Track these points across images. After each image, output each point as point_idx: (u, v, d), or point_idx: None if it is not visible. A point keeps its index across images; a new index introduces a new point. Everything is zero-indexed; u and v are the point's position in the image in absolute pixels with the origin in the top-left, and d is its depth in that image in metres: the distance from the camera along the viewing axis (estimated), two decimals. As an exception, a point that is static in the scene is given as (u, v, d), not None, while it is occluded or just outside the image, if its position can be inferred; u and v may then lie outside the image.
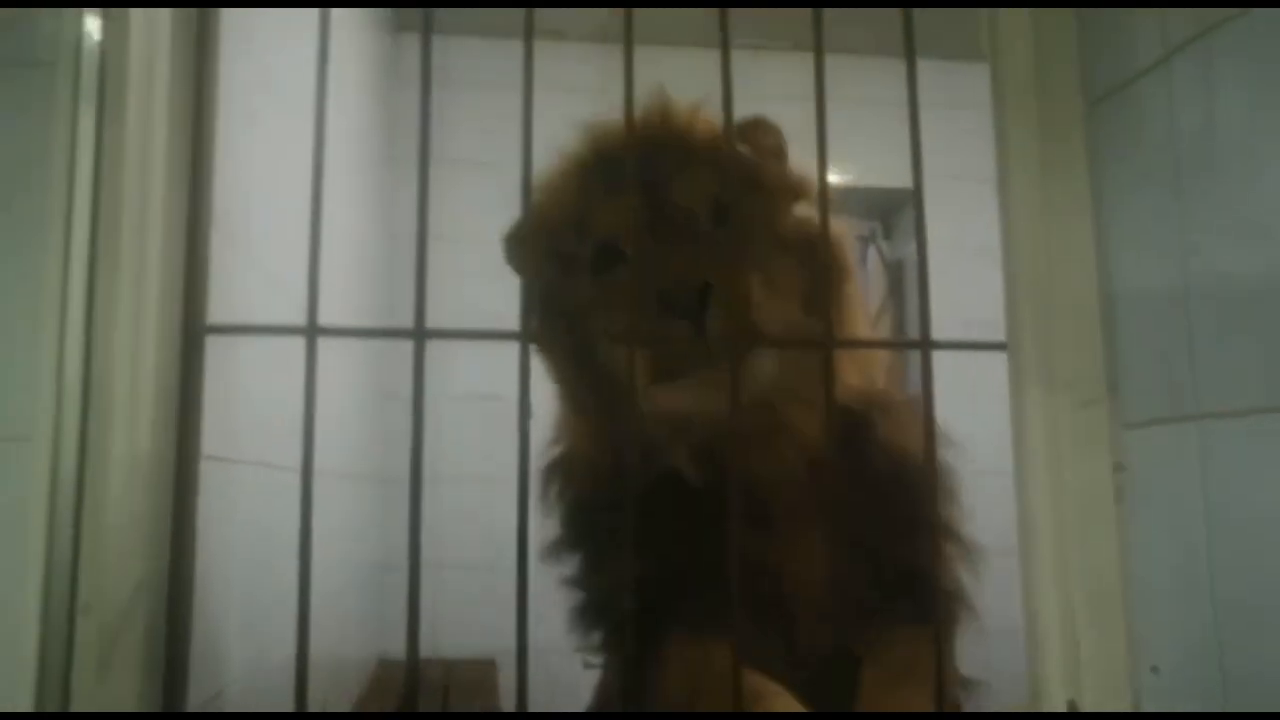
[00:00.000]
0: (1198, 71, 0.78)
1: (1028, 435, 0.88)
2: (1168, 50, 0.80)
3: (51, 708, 0.65)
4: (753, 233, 1.07)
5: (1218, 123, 0.77)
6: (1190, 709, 0.77)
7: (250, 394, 1.21)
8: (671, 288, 0.96)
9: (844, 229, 1.21)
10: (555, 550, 1.19)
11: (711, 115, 1.10)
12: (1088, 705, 0.81)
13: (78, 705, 0.65)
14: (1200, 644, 0.76)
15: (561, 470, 1.19)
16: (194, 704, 0.82)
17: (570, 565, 1.18)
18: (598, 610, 1.15)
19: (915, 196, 1.00)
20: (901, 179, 3.59)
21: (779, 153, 1.19)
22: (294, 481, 1.43)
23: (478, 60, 2.80)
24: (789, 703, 1.00)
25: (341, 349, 1.83)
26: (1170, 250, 0.82)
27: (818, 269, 1.03)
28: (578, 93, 2.90)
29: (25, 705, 0.64)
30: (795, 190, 1.13)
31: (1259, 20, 0.73)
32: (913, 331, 3.10)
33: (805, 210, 1.16)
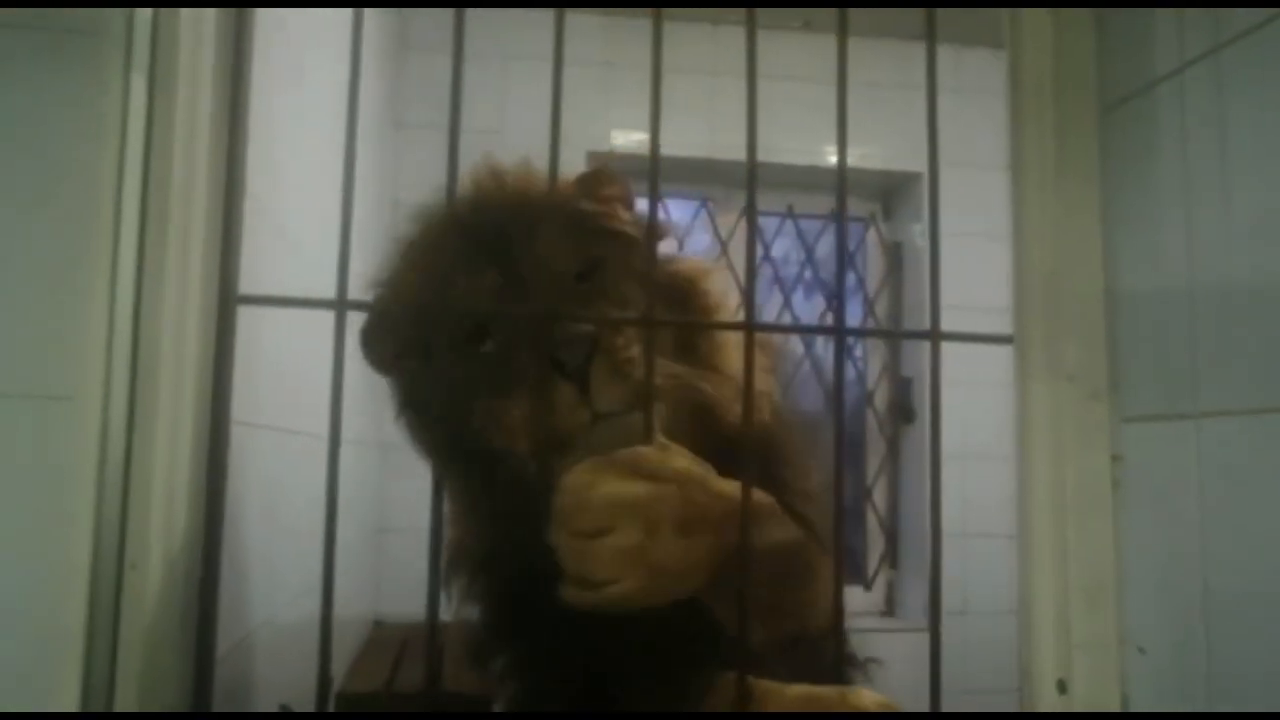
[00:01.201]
0: (1211, 83, 0.81)
1: (1031, 425, 0.92)
2: (1183, 61, 0.83)
3: (100, 660, 0.68)
4: (620, 283, 1.02)
5: (1229, 132, 0.80)
6: (1175, 691, 0.82)
7: (265, 361, 1.24)
8: (559, 349, 0.91)
9: (709, 266, 1.12)
10: (478, 653, 1.11)
11: (539, 171, 1.05)
12: (1077, 684, 0.86)
13: (124, 659, 0.68)
14: (1188, 629, 0.80)
15: (462, 564, 1.10)
16: (220, 653, 0.86)
17: (498, 661, 1.10)
18: (540, 702, 1.07)
19: (930, 186, 1.03)
20: (901, 162, 3.62)
21: (625, 201, 1.12)
22: (304, 445, 1.46)
23: (484, 30, 2.80)
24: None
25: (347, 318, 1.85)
26: (1176, 252, 0.85)
27: (687, 309, 1.02)
28: (585, 65, 2.92)
29: (75, 659, 0.67)
30: (652, 233, 1.02)
31: (1271, 35, 0.76)
32: (911, 312, 3.13)
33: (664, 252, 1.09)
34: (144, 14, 0.75)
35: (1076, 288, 0.91)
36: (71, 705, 0.66)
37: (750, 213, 0.97)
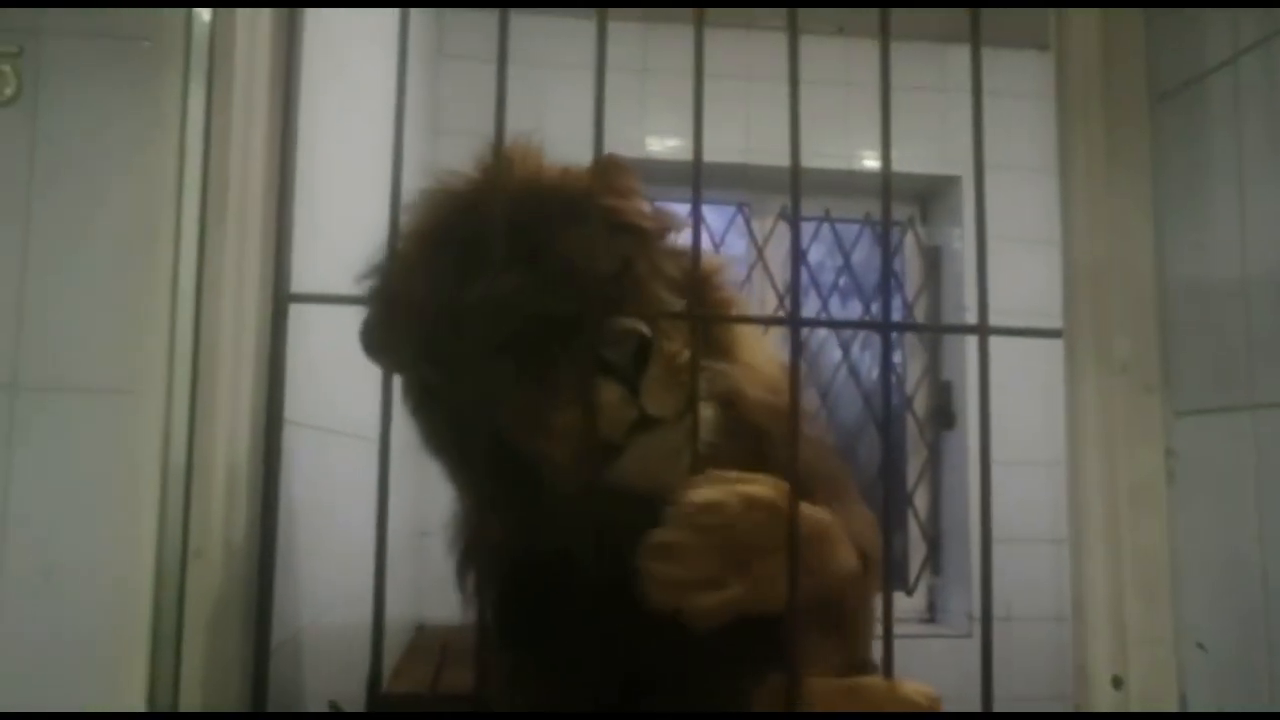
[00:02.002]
0: (1265, 71, 0.80)
1: (1082, 419, 0.91)
2: (1236, 50, 0.82)
3: (166, 647, 0.70)
4: (649, 279, 0.98)
5: (1284, 121, 0.79)
6: (1237, 689, 0.80)
7: (303, 361, 1.26)
8: (606, 347, 0.87)
9: (719, 260, 1.08)
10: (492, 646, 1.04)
11: (540, 156, 1.01)
12: (1133, 681, 0.85)
13: (189, 645, 0.70)
14: (1248, 626, 0.79)
15: (478, 564, 1.04)
16: (276, 643, 0.87)
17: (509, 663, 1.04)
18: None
19: (977, 188, 1.02)
20: (938, 165, 3.58)
21: (640, 192, 1.08)
22: (343, 446, 1.48)
23: (520, 38, 2.82)
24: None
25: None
26: (1229, 242, 0.84)
27: (703, 303, 0.97)
28: (621, 72, 2.93)
29: (142, 644, 0.69)
30: (666, 227, 1.02)
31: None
32: (949, 316, 3.11)
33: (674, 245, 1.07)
34: (202, 21, 0.77)
35: (1127, 280, 0.90)
36: (139, 691, 0.67)
37: (795, 203, 0.97)
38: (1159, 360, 0.89)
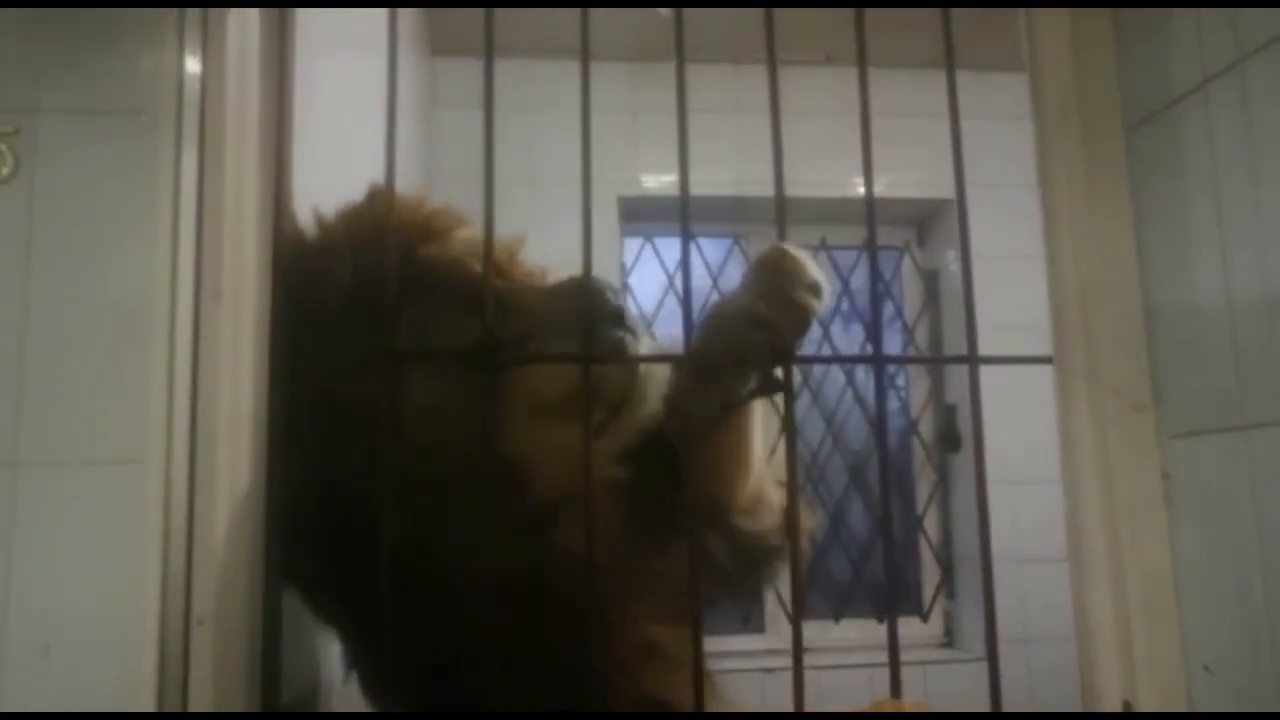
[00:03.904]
0: (1235, 95, 0.82)
1: (1076, 442, 0.91)
2: (1205, 76, 0.84)
3: (171, 711, 0.70)
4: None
5: (1257, 144, 0.80)
6: (1245, 708, 0.80)
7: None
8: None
9: (512, 241, 1.13)
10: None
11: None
12: (1143, 705, 0.84)
13: (195, 707, 0.70)
14: (1254, 646, 0.78)
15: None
16: (290, 699, 0.87)
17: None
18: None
19: (959, 210, 1.03)
20: (933, 189, 3.60)
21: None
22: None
23: (510, 82, 2.87)
24: None
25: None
26: (1212, 263, 0.85)
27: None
28: (611, 112, 2.97)
29: (147, 709, 0.69)
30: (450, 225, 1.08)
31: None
32: (951, 338, 3.11)
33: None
34: (192, 79, 0.79)
35: (1113, 301, 0.91)
36: (145, 764, 0.68)
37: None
38: (1150, 382, 0.90)
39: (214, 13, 0.82)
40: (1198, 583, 0.85)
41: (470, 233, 1.07)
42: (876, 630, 2.91)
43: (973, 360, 0.96)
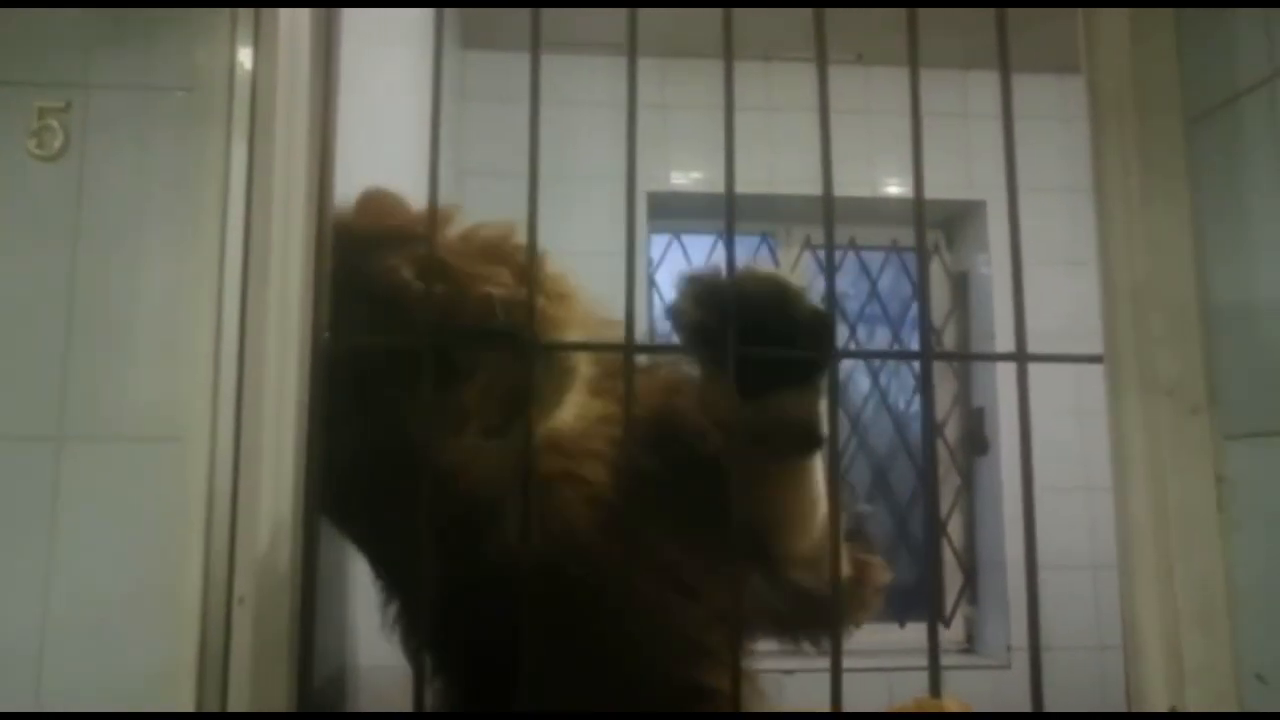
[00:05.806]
0: (1303, 89, 0.80)
1: (1127, 445, 0.89)
2: (1273, 69, 0.82)
3: (212, 691, 0.70)
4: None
5: (1324, 139, 0.78)
6: (1300, 718, 0.78)
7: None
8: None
9: (506, 227, 1.16)
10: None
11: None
12: (1192, 713, 0.82)
13: (235, 688, 0.70)
14: (1310, 653, 0.76)
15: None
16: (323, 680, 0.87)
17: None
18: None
19: (1010, 212, 1.02)
20: (962, 190, 3.58)
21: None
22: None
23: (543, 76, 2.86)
24: None
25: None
26: (1273, 262, 0.83)
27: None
28: (642, 109, 2.96)
29: (188, 689, 0.69)
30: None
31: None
32: (977, 341, 3.08)
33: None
34: (244, 69, 0.78)
35: (1169, 300, 0.89)
36: (185, 742, 0.67)
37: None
38: (1205, 382, 0.88)
39: (266, 11, 0.82)
40: (1251, 588, 0.83)
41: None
42: (896, 634, 2.89)
43: (1021, 358, 0.94)
